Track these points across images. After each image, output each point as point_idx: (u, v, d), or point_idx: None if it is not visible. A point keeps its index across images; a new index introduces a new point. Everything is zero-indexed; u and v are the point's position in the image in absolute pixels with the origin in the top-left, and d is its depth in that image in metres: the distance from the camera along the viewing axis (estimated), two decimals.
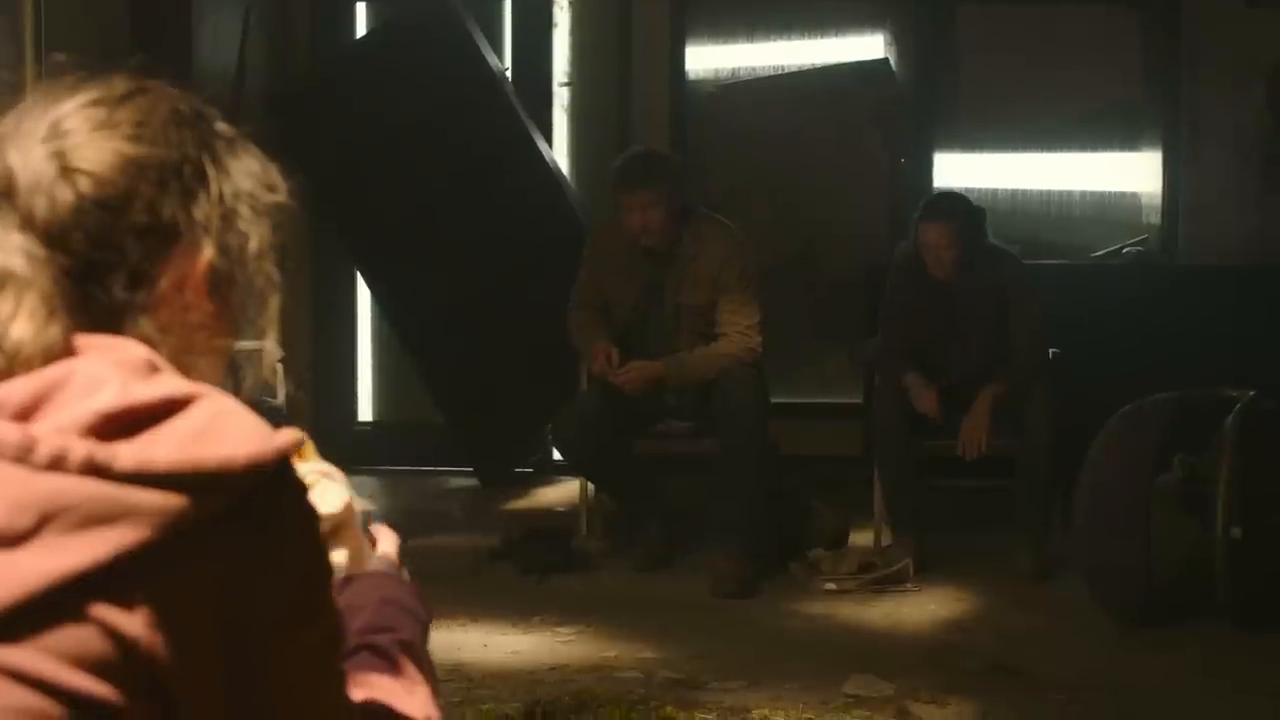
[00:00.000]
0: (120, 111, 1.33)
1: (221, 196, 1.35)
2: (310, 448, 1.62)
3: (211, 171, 1.36)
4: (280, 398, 5.94)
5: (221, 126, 1.39)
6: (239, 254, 1.36)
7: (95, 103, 1.33)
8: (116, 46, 6.32)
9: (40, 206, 1.28)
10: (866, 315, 7.12)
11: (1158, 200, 7.91)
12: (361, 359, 8.31)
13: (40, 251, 1.26)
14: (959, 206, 6.16)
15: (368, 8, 8.26)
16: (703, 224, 6.07)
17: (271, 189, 1.39)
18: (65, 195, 1.28)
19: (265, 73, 7.64)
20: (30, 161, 1.29)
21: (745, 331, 5.96)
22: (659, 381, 5.99)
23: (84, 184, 1.29)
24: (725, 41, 8.15)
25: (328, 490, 1.59)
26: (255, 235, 1.37)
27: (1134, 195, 8.01)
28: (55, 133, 1.31)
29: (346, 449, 7.24)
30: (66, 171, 1.29)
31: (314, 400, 7.88)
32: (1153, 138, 7.90)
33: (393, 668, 1.48)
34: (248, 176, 1.38)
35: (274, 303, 1.39)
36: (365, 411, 8.32)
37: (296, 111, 7.46)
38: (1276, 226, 7.59)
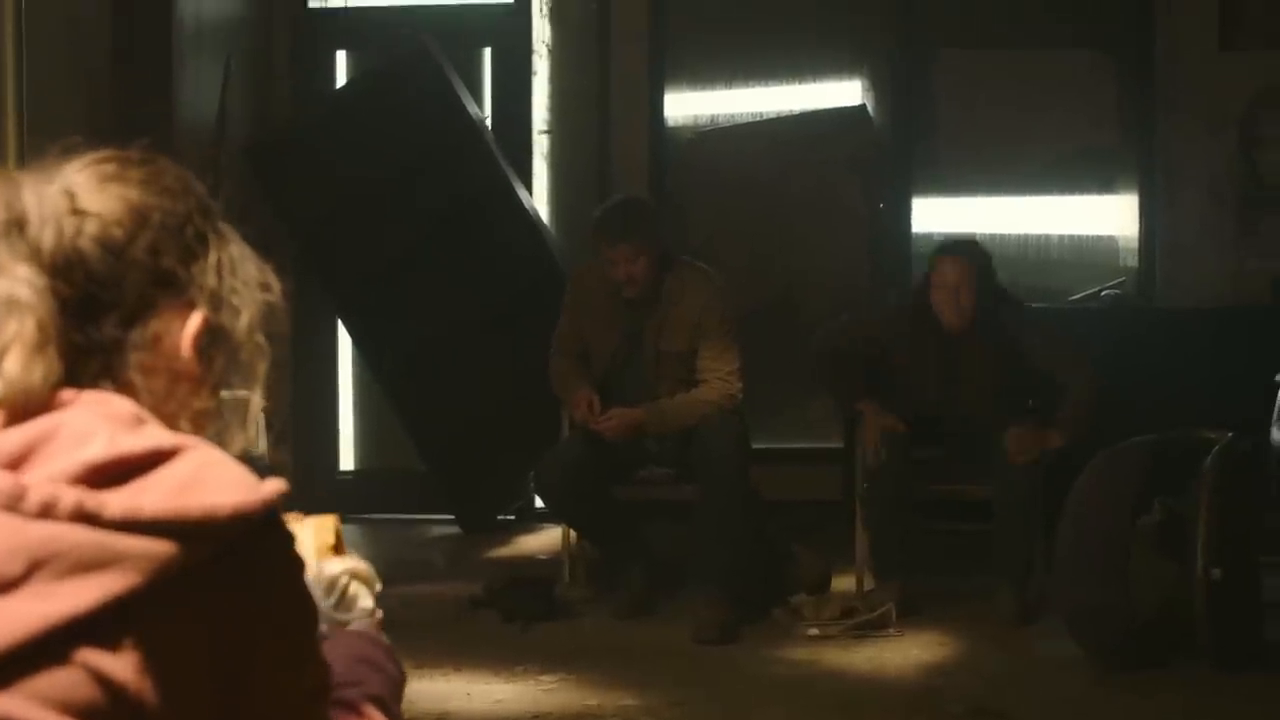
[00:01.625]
0: (131, 170, 1.40)
1: (219, 264, 1.40)
2: (340, 538, 1.65)
3: (212, 239, 1.41)
4: (262, 448, 5.95)
5: (223, 224, 1.45)
6: (230, 322, 1.40)
7: (107, 160, 1.40)
8: (99, 93, 6.35)
9: (48, 240, 1.33)
10: None
11: (1134, 243, 7.96)
12: (343, 408, 8.30)
13: (43, 282, 1.30)
14: (977, 250, 6.12)
15: (348, 56, 8.30)
16: (683, 271, 6.10)
17: (266, 288, 1.44)
18: (71, 232, 1.34)
19: (246, 120, 7.67)
20: (43, 200, 1.35)
21: (726, 378, 5.98)
22: (640, 428, 6.01)
23: (91, 224, 1.34)
24: (704, 88, 8.20)
25: (359, 595, 1.63)
26: (247, 311, 1.42)
27: (1111, 238, 8.06)
28: (68, 180, 1.37)
29: (329, 498, 7.25)
30: (75, 211, 1.35)
31: (296, 450, 7.88)
32: (1129, 181, 7.96)
33: (360, 718, 1.50)
34: (245, 262, 1.43)
35: (261, 369, 1.43)
36: (347, 460, 8.32)
37: (277, 160, 7.48)
38: (1251, 268, 7.64)
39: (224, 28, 7.50)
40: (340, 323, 7.96)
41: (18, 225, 1.33)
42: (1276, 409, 6.49)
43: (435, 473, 7.62)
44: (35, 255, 1.32)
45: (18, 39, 3.69)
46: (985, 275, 6.07)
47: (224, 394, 1.43)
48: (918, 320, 6.11)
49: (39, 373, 1.27)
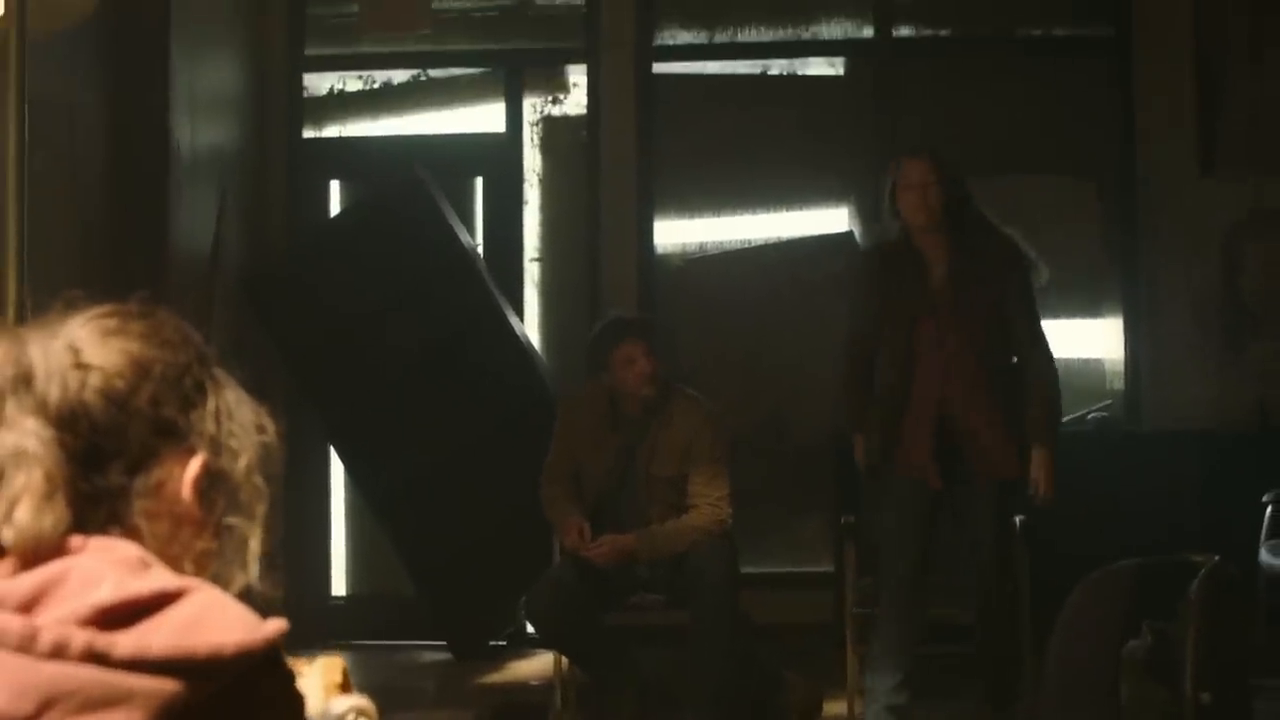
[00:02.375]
0: (132, 323, 1.45)
1: (217, 411, 1.46)
2: (347, 677, 1.69)
3: (210, 387, 1.46)
4: (254, 576, 5.95)
5: (220, 370, 1.50)
6: (229, 465, 1.46)
7: (109, 315, 1.46)
8: (95, 226, 6.42)
9: (54, 393, 1.38)
10: (835, 483, 7.19)
11: (1120, 366, 8.02)
12: (335, 534, 8.31)
13: (50, 434, 1.35)
14: (940, 153, 5.69)
15: (342, 185, 8.40)
16: (676, 396, 6.15)
17: (261, 430, 1.49)
18: (76, 385, 1.39)
19: (241, 250, 7.74)
20: (48, 355, 1.40)
21: (716, 503, 6.01)
22: (631, 554, 6.03)
23: (94, 378, 1.40)
24: (692, 216, 8.29)
25: None
26: (245, 454, 1.47)
27: (1097, 362, 8.12)
28: (71, 336, 1.43)
29: (320, 625, 7.25)
30: (79, 365, 1.40)
31: (288, 576, 7.86)
32: (1113, 305, 8.04)
33: None
34: (242, 406, 1.48)
35: (260, 510, 1.49)
36: (339, 586, 8.31)
37: (273, 289, 7.55)
38: (1235, 391, 7.70)
39: (218, 158, 7.58)
40: (333, 449, 7.99)
41: (25, 380, 1.38)
42: (1264, 530, 6.53)
43: (427, 598, 7.61)
44: (42, 408, 1.38)
45: (20, 181, 3.76)
46: (953, 179, 5.64)
47: (228, 520, 1.49)
48: (887, 262, 5.72)
49: (49, 521, 1.32)
